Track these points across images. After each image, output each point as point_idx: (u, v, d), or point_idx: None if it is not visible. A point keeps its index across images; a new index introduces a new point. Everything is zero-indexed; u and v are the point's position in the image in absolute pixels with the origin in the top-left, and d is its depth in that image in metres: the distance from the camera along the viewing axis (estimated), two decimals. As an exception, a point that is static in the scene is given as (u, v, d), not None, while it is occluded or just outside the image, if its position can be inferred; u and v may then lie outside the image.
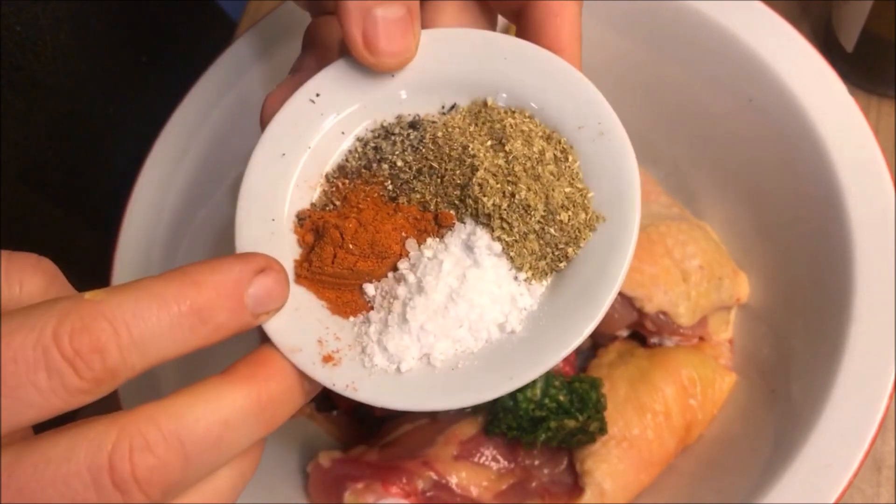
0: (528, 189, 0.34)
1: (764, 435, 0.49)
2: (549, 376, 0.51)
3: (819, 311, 0.49)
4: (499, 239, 0.34)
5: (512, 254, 0.34)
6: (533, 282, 0.34)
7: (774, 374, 0.52)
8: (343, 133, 0.37)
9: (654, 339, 0.56)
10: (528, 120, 0.36)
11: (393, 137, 0.37)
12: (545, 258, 0.34)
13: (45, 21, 0.60)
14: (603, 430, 0.51)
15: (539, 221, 0.34)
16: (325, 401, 0.56)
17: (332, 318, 0.35)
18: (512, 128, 0.35)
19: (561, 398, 0.50)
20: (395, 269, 0.36)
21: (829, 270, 0.48)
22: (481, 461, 0.53)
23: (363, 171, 0.37)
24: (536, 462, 0.53)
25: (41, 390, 0.26)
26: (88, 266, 0.68)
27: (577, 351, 0.58)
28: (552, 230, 0.34)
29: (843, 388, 0.44)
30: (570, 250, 0.34)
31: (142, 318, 0.27)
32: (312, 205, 0.37)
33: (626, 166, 0.34)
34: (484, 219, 0.35)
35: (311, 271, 0.35)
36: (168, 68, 0.76)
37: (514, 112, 0.36)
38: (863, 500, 0.56)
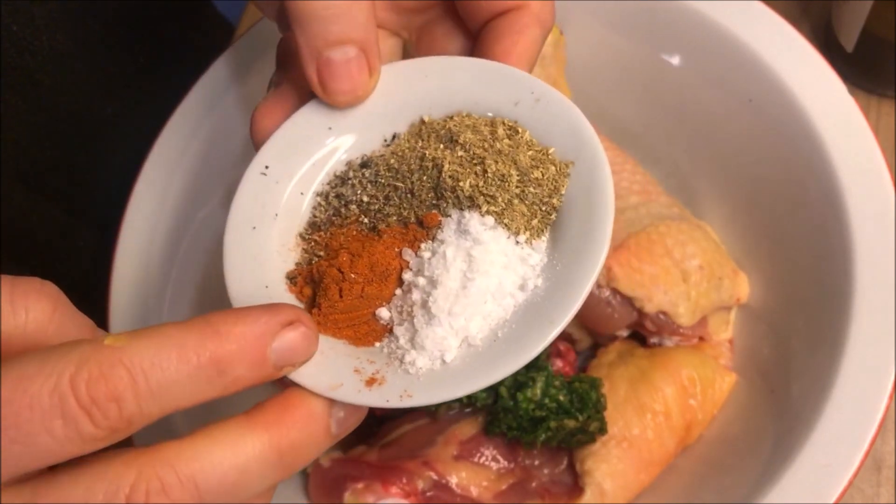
0: (496, 162, 0.36)
1: (764, 435, 0.49)
2: (548, 376, 0.51)
3: (819, 311, 0.49)
4: (488, 213, 0.35)
5: (505, 221, 0.35)
6: (533, 240, 0.36)
7: (774, 374, 0.52)
8: (302, 193, 0.39)
9: (654, 339, 0.56)
10: (466, 117, 0.38)
11: (350, 181, 0.38)
12: (535, 216, 0.36)
13: (42, 21, 0.60)
14: (603, 430, 0.51)
15: (517, 185, 0.36)
16: (325, 401, 0.56)
17: (359, 350, 0.36)
18: (456, 126, 0.37)
19: (561, 398, 0.50)
20: (400, 283, 0.36)
21: (829, 270, 0.48)
22: (481, 461, 0.53)
23: (334, 218, 0.38)
24: (536, 462, 0.53)
25: (56, 438, 0.26)
26: (89, 266, 0.68)
27: (578, 351, 0.58)
28: (531, 189, 0.36)
29: (843, 388, 0.45)
30: (554, 201, 0.36)
31: (160, 368, 0.27)
32: (297, 264, 0.38)
33: (570, 114, 0.37)
34: (467, 202, 0.36)
35: (323, 314, 0.36)
36: (167, 70, 0.76)
37: (451, 117, 0.38)
38: (863, 499, 0.56)
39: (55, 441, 0.26)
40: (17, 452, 0.26)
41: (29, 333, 0.29)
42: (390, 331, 0.36)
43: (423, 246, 0.36)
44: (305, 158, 0.39)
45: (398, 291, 0.36)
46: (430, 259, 0.36)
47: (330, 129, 0.39)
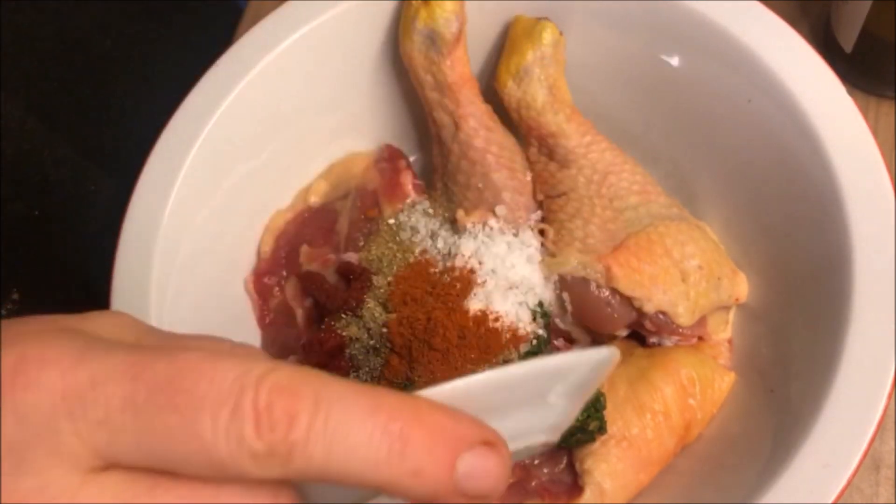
0: None
1: (763, 434, 0.49)
2: (548, 376, 0.51)
3: (818, 311, 0.49)
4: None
5: None
6: None
7: (773, 374, 0.52)
8: None
9: (653, 339, 0.56)
10: None
11: None
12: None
13: None
14: (602, 429, 0.51)
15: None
16: (325, 400, 0.57)
17: None
18: None
19: (560, 398, 0.50)
20: None
21: (828, 270, 0.49)
22: (481, 460, 0.53)
23: None
24: (536, 461, 0.53)
25: (215, 427, 0.23)
26: (102, 216, 0.66)
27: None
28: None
29: (842, 388, 0.45)
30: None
31: (345, 408, 0.24)
32: None
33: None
34: None
35: None
36: (182, 45, 0.75)
37: None
38: (861, 499, 0.56)
39: (210, 431, 0.23)
40: (173, 424, 0.23)
41: None
42: None
43: None
44: None
45: None
46: None
47: None
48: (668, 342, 0.56)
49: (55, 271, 0.64)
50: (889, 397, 0.44)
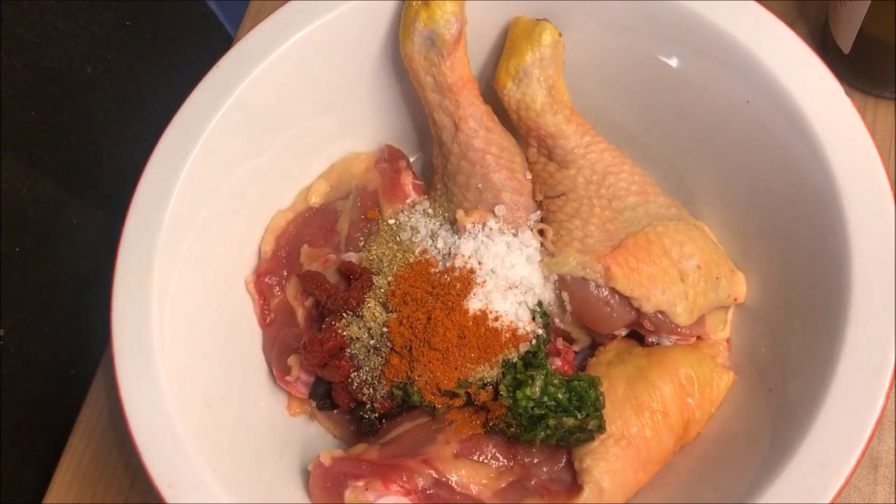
0: None
1: (761, 433, 0.50)
2: (547, 374, 0.51)
3: (816, 311, 0.49)
4: None
5: None
6: None
7: (772, 373, 0.53)
8: None
9: (652, 339, 0.56)
10: None
11: None
12: None
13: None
14: (601, 428, 0.51)
15: None
16: (326, 399, 0.57)
17: None
18: None
19: (560, 396, 0.50)
20: None
21: (827, 270, 0.49)
22: (481, 459, 0.53)
23: None
24: (535, 460, 0.54)
25: None
26: (86, 248, 0.66)
27: (576, 350, 0.59)
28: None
29: (840, 387, 0.45)
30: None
31: None
32: None
33: None
34: None
35: None
36: (167, 69, 0.75)
37: None
38: (859, 498, 0.56)
39: None
40: None
41: None
42: None
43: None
44: None
45: None
46: None
47: None
48: (667, 341, 0.56)
49: (40, 307, 0.64)
50: (887, 396, 0.44)
